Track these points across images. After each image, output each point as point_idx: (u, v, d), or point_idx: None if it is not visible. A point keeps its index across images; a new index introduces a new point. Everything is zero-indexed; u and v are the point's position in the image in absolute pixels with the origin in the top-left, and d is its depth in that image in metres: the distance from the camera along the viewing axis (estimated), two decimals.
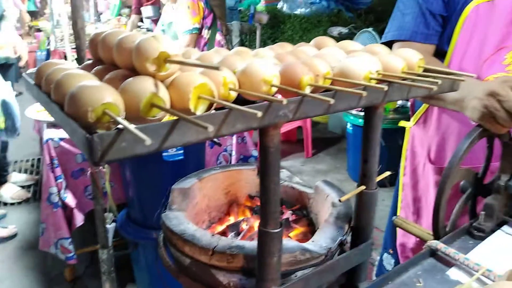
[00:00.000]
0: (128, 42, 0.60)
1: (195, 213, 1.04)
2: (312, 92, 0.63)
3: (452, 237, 0.94)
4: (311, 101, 0.59)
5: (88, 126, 0.47)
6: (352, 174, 3.90)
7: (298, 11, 5.24)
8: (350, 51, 0.81)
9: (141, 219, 2.08)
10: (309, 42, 0.91)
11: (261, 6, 5.58)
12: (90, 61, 0.71)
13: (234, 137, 2.40)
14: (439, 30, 1.23)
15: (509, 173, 0.97)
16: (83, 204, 2.18)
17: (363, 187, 0.76)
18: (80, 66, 0.70)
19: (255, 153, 2.52)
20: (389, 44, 1.27)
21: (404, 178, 1.49)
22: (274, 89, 0.61)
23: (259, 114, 0.46)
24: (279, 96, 0.60)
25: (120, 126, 0.48)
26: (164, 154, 1.87)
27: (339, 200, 0.76)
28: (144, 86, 0.52)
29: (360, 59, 0.70)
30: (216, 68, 0.45)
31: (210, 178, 1.09)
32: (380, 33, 3.77)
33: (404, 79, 0.71)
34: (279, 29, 5.30)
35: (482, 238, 0.94)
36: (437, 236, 0.95)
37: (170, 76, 0.56)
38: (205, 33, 3.00)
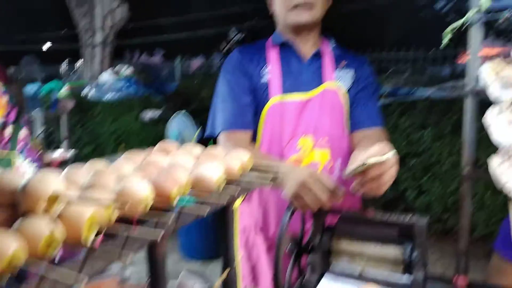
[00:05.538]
0: (7, 182, 0.61)
1: None
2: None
3: None
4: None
5: None
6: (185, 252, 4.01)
7: (106, 97, 5.22)
8: (195, 156, 0.97)
9: None
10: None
11: (65, 91, 5.33)
12: None
13: None
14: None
15: (320, 234, 1.27)
16: None
17: (229, 269, 0.90)
18: None
19: None
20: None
21: (239, 251, 1.70)
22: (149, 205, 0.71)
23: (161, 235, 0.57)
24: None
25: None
26: None
27: None
28: (41, 226, 0.54)
29: (211, 165, 0.86)
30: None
31: None
32: (191, 114, 4.10)
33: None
34: (87, 114, 5.15)
35: None
36: None
37: (56, 210, 0.60)
38: (8, 131, 2.74)
